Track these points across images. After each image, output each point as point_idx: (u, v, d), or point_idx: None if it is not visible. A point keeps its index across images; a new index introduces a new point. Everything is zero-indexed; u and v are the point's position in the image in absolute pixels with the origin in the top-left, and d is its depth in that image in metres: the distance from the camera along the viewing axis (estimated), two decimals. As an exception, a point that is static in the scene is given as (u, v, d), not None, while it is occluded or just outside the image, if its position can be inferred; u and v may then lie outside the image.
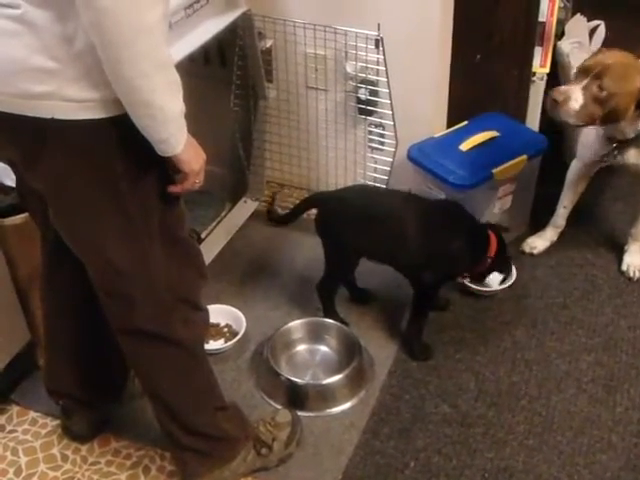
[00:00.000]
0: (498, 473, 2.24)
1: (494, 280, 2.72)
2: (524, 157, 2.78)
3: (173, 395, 2.04)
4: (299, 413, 2.36)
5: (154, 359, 2.00)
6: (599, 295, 2.83)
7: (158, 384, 2.04)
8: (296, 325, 2.63)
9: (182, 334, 1.96)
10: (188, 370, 2.04)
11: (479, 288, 2.78)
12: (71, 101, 1.57)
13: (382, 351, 2.61)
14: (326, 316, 2.66)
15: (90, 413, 2.35)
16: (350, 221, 2.51)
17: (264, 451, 2.21)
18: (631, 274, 2.91)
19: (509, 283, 2.81)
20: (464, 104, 2.99)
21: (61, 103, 1.57)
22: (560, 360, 2.59)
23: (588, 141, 2.76)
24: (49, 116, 1.58)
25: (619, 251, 2.97)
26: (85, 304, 2.06)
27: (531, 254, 3.00)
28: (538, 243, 3.01)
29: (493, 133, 2.84)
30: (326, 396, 2.43)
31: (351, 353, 2.51)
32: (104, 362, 2.24)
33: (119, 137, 1.65)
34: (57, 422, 2.40)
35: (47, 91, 1.56)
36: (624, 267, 2.93)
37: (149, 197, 1.77)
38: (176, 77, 1.59)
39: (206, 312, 2.07)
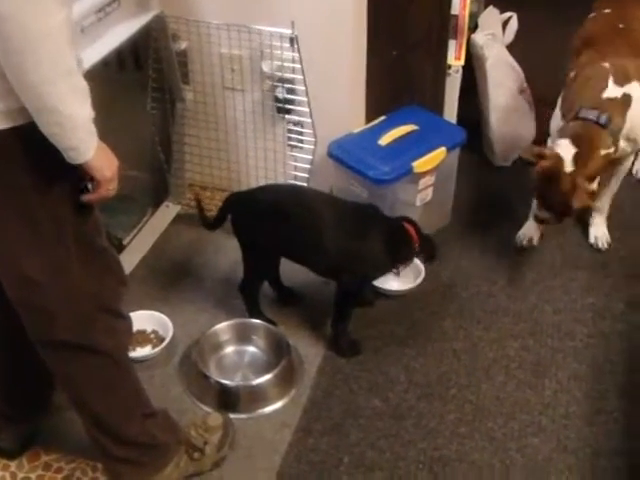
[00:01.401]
0: (432, 463, 2.25)
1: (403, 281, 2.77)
2: (443, 149, 2.80)
3: (100, 405, 2.00)
4: (231, 415, 2.34)
5: (78, 370, 1.95)
6: (523, 282, 2.88)
7: (84, 395, 2.00)
8: (223, 327, 2.60)
9: (105, 343, 1.92)
10: (113, 379, 1.99)
11: (388, 289, 2.78)
12: None
13: (311, 349, 2.60)
14: (251, 317, 2.64)
15: (17, 428, 2.28)
16: (261, 221, 2.50)
17: (197, 455, 2.18)
18: (600, 245, 2.97)
19: (418, 282, 2.81)
20: (382, 99, 3.00)
21: None
22: (488, 348, 2.62)
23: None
24: None
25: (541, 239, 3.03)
26: (1, 316, 2.00)
27: (531, 246, 2.99)
28: (532, 233, 3.00)
29: (411, 127, 2.86)
30: (257, 397, 2.41)
31: (280, 352, 2.50)
32: (28, 374, 2.17)
33: (24, 147, 1.60)
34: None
35: None
36: (592, 239, 2.99)
37: (61, 207, 1.72)
38: (83, 83, 1.55)
39: (129, 320, 2.03)
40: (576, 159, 2.54)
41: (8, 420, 2.25)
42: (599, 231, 3.00)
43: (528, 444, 2.31)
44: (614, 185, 2.94)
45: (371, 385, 2.49)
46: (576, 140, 2.57)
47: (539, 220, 2.82)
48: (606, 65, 2.65)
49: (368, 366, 2.55)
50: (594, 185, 2.64)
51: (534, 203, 2.82)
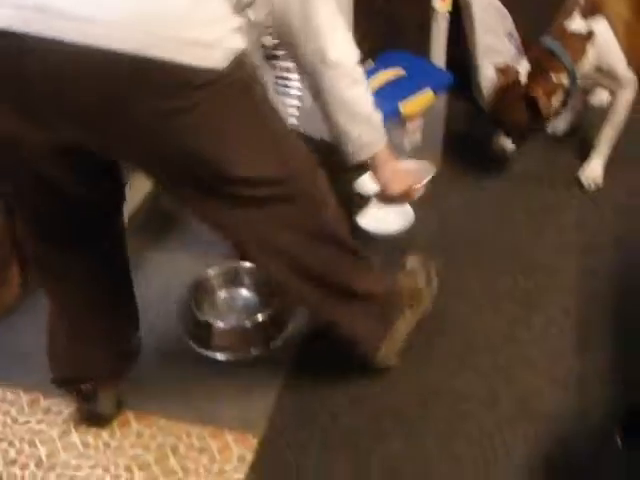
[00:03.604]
0: (427, 395, 2.31)
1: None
2: (430, 92, 2.82)
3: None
4: (225, 357, 2.39)
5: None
6: (512, 222, 2.91)
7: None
8: (215, 271, 2.65)
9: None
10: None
11: (377, 231, 2.80)
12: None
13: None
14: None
15: (115, 388, 2.24)
16: None
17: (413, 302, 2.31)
18: (587, 185, 3.02)
19: (407, 225, 2.83)
20: (369, 44, 3.00)
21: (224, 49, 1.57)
22: (477, 284, 2.65)
23: None
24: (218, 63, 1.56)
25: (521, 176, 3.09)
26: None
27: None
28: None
29: (398, 71, 2.87)
30: (251, 337, 2.45)
31: (271, 293, 2.53)
32: (124, 324, 2.17)
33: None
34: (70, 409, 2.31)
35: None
36: (582, 177, 3.04)
37: None
38: None
39: None
40: (530, 75, 2.81)
41: (108, 381, 2.21)
42: (591, 170, 3.02)
43: (517, 377, 2.34)
44: (614, 124, 2.96)
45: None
46: (532, 62, 2.83)
47: (499, 150, 2.98)
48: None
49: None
50: (554, 102, 2.84)
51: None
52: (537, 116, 2.84)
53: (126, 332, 2.18)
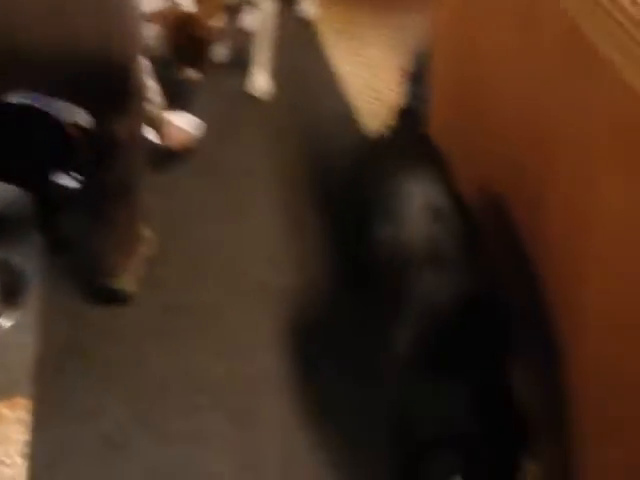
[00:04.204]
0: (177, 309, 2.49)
1: None
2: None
3: None
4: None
5: None
6: (215, 137, 3.10)
7: None
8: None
9: None
10: None
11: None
12: None
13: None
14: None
15: None
16: None
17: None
18: (259, 95, 3.27)
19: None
20: None
21: None
22: (199, 196, 2.87)
23: None
24: None
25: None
26: None
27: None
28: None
29: None
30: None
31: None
32: None
33: None
34: None
35: None
36: (251, 90, 3.29)
37: None
38: None
39: None
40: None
41: None
42: (258, 83, 3.29)
43: (242, 269, 2.62)
44: (264, 33, 3.25)
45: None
46: None
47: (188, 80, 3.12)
48: None
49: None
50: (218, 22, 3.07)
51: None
52: (206, 39, 3.06)
53: None
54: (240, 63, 3.39)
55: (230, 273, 2.59)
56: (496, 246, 2.07)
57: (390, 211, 1.98)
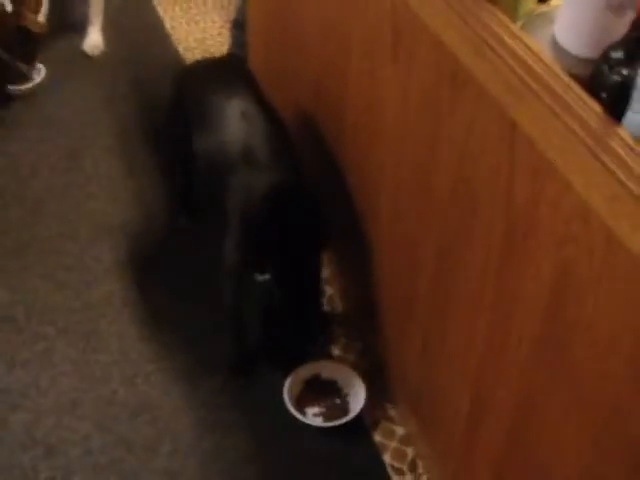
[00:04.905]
0: (20, 249, 2.60)
1: None
2: None
3: None
4: None
5: None
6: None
7: None
8: None
9: None
10: None
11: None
12: None
13: None
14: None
15: None
16: None
17: None
18: (90, 53, 3.37)
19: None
20: None
21: None
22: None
23: None
24: None
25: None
26: None
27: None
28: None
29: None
30: None
31: None
32: None
33: None
34: None
35: None
36: (86, 48, 3.37)
37: None
38: None
39: None
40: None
41: None
42: (92, 40, 3.40)
43: (87, 208, 2.75)
44: None
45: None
46: None
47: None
48: None
49: None
50: (41, 17, 3.16)
51: None
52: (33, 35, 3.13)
53: None
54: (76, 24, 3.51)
55: (70, 213, 2.70)
56: (304, 150, 2.29)
57: (208, 122, 2.16)
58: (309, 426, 2.16)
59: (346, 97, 2.11)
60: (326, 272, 2.40)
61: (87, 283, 2.50)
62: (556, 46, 1.39)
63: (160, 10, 3.64)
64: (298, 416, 2.16)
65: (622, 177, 1.07)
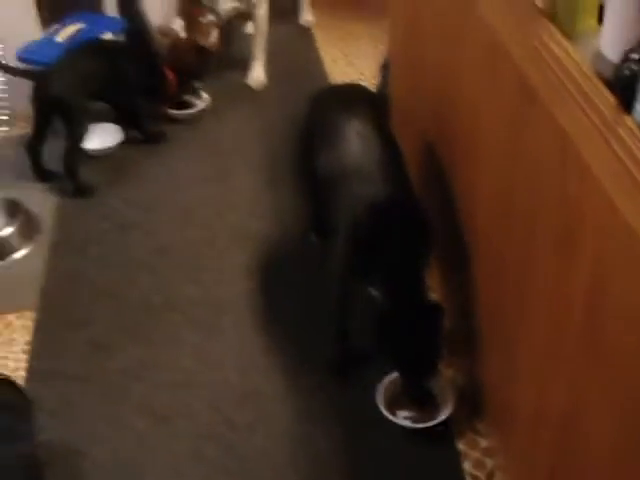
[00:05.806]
0: (165, 249, 2.92)
1: None
2: (109, 33, 3.44)
3: None
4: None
5: None
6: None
7: None
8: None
9: None
10: None
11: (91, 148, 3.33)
12: None
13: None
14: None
15: None
16: None
17: None
18: (255, 86, 3.72)
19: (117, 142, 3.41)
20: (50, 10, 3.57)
21: None
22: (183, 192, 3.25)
23: None
24: None
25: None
26: None
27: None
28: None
29: (79, 25, 3.46)
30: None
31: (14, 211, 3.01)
32: None
33: None
34: None
35: None
36: (249, 81, 3.74)
37: None
38: None
39: None
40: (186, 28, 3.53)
41: None
42: (256, 74, 3.74)
43: (227, 220, 3.02)
44: (259, 35, 3.72)
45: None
46: (182, 15, 3.60)
47: None
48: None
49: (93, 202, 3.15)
50: (212, 39, 3.56)
51: None
52: (207, 53, 3.54)
53: None
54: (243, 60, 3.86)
55: (212, 221, 3.00)
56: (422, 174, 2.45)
57: (327, 141, 2.39)
58: (398, 426, 2.29)
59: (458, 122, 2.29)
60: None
61: (217, 282, 2.77)
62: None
63: (321, 50, 3.94)
64: (388, 416, 2.30)
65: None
